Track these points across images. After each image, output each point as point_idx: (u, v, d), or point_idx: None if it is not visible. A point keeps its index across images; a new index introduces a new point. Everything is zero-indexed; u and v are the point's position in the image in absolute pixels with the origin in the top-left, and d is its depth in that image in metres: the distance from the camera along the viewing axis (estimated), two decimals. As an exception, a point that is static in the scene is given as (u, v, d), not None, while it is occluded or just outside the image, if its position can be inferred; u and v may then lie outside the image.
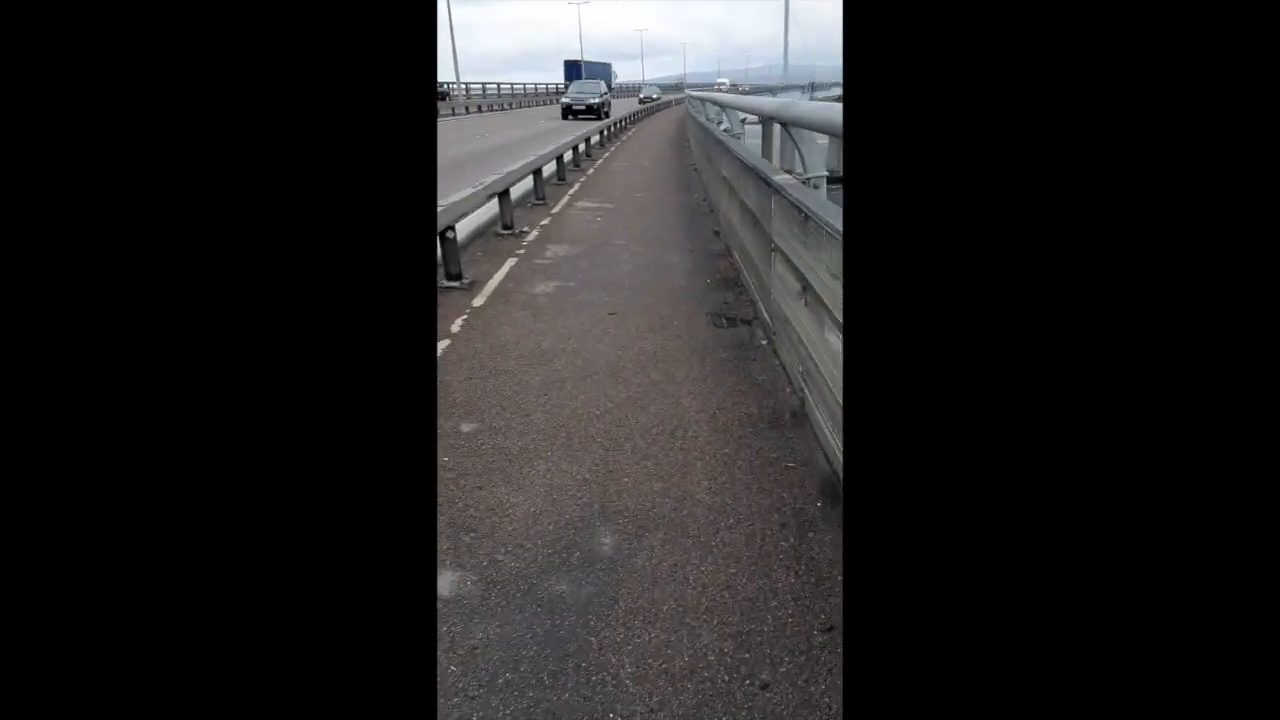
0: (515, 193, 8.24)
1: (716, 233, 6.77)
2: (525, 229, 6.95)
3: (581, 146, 12.67)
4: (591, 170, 11.72)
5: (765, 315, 4.06)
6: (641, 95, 42.67)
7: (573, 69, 53.58)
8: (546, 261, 5.75)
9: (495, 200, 6.56)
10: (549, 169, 10.11)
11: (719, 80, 64.90)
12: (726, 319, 4.34)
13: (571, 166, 11.76)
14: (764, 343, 3.89)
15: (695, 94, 13.68)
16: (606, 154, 14.46)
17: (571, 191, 9.44)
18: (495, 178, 6.30)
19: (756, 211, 4.21)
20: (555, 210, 8.06)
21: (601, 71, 54.85)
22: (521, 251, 6.07)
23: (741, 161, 4.54)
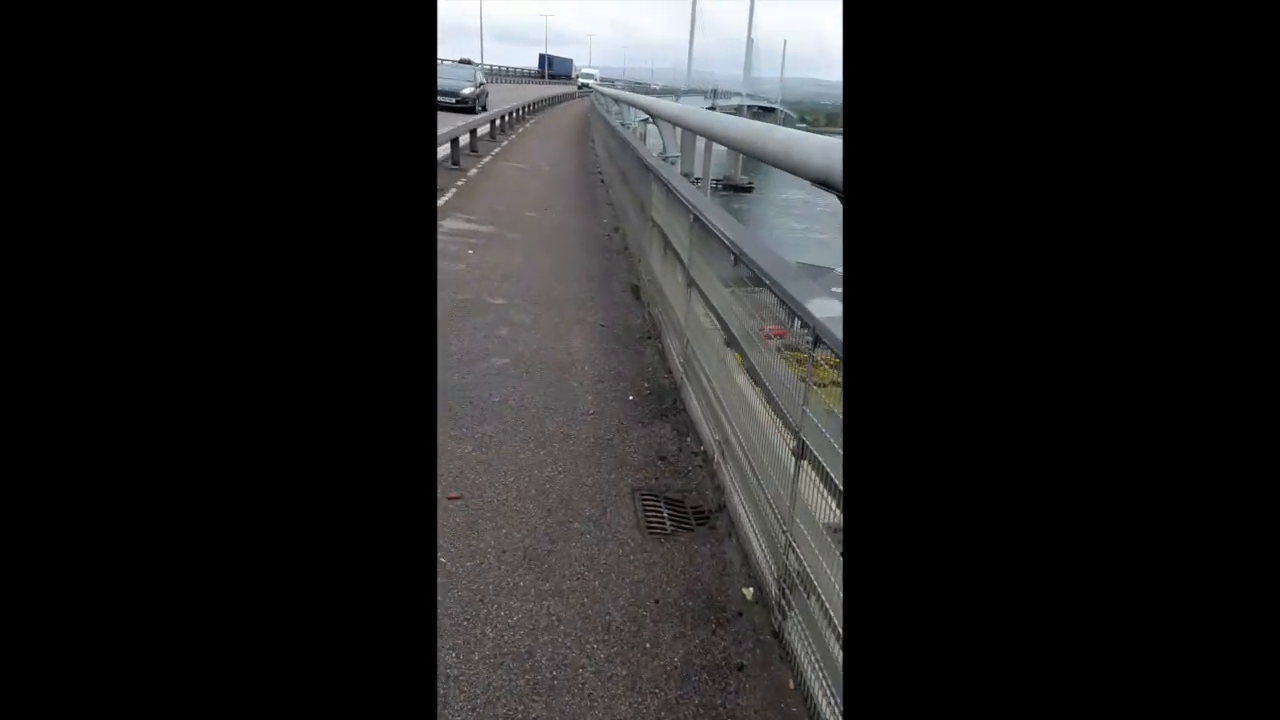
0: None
1: (636, 290, 4.83)
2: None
3: (464, 139, 10.29)
4: (474, 171, 9.41)
5: (741, 512, 2.17)
6: (460, 90, 16.52)
7: (544, 62, 67.64)
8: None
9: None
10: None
11: (585, 69, 65.41)
12: (669, 504, 2.41)
13: (450, 164, 9.40)
14: (750, 596, 1.99)
15: (607, 90, 11.70)
16: (498, 148, 12.12)
17: (441, 202, 7.14)
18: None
19: (739, 335, 2.30)
20: (410, 232, 5.78)
21: (565, 66, 70.41)
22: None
23: (718, 236, 2.59)
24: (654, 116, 4.84)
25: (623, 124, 8.59)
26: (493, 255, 5.38)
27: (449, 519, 2.18)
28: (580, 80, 57.36)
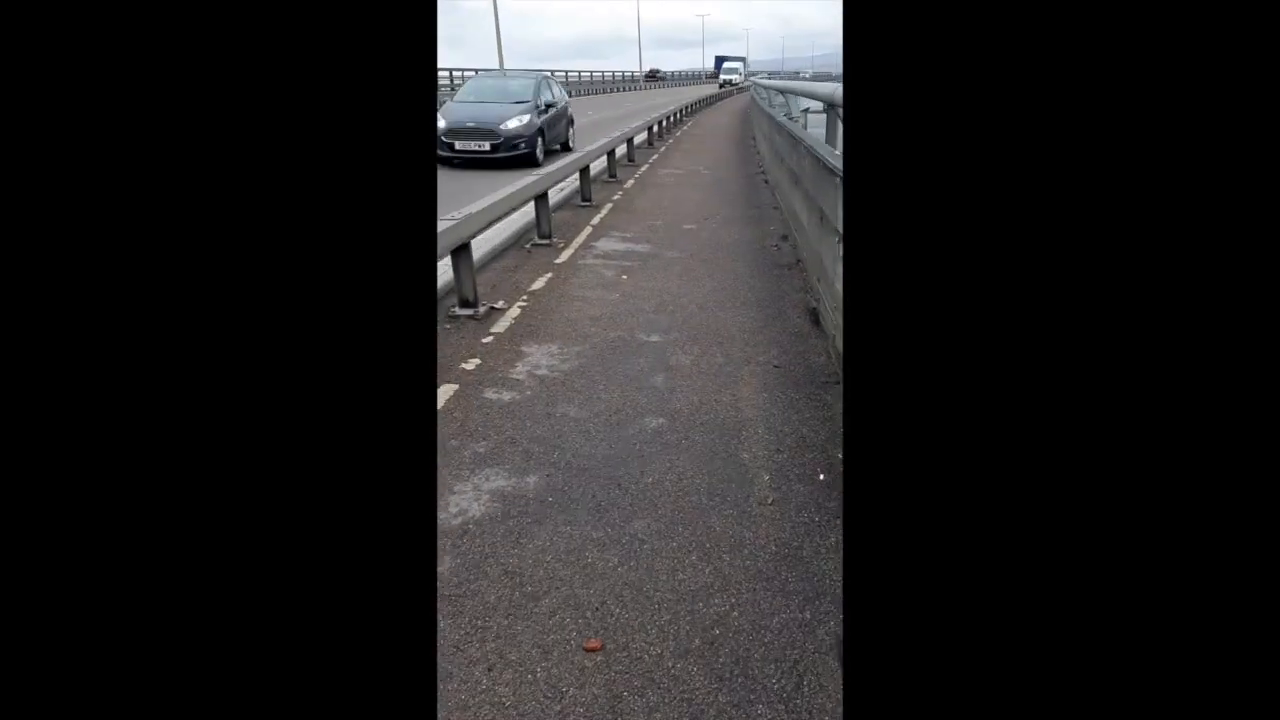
0: (496, 233, 5.68)
1: (814, 315, 4.02)
2: (497, 304, 4.34)
3: (621, 149, 10.00)
4: (631, 183, 9.05)
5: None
6: (501, 126, 8.88)
7: (718, 62, 65.22)
8: (505, 398, 3.12)
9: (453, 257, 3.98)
10: (551, 197, 7.49)
11: (728, 64, 61.99)
12: None
13: (608, 177, 9.13)
14: None
15: (767, 83, 10.82)
16: (656, 154, 11.74)
17: (595, 220, 6.81)
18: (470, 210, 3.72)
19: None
20: (562, 258, 5.44)
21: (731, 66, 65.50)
22: (471, 369, 3.46)
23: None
24: (830, 105, 3.99)
25: (789, 116, 7.69)
26: (648, 280, 4.85)
27: (585, 685, 1.61)
28: (723, 76, 54.65)
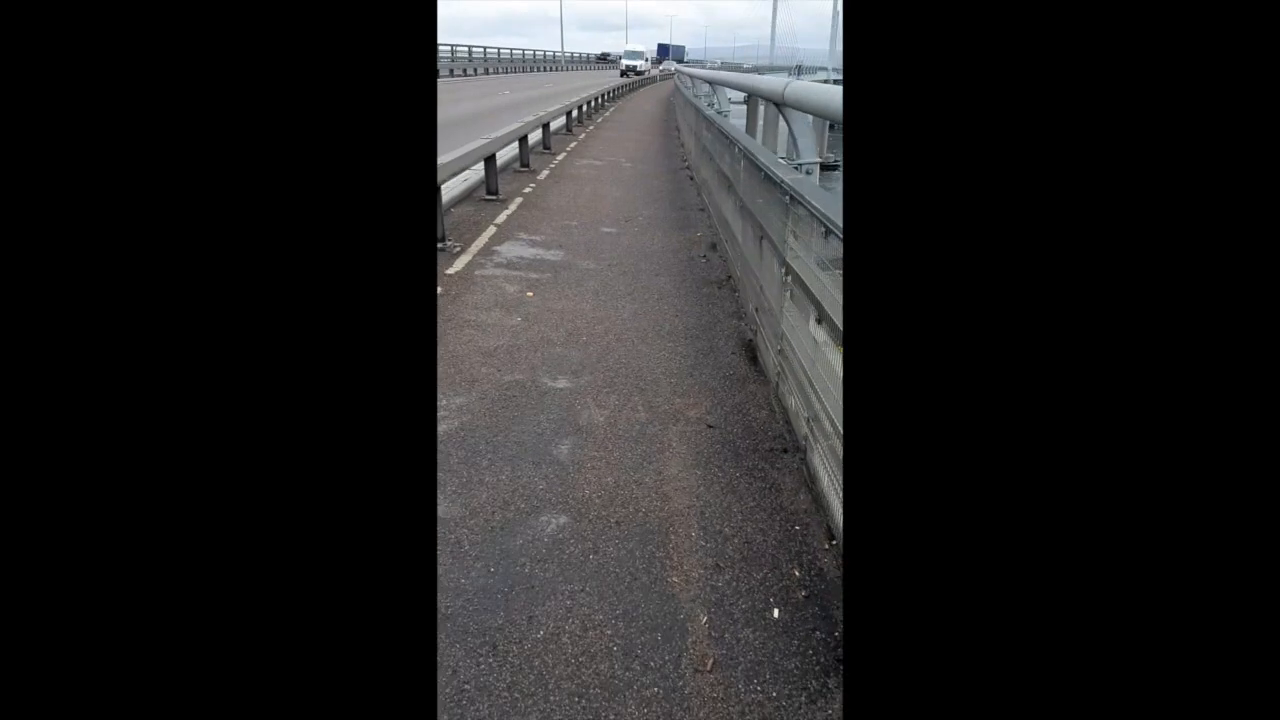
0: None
1: (750, 350, 3.40)
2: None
3: (535, 135, 9.10)
4: (545, 173, 8.19)
5: None
6: None
7: (662, 50, 72.67)
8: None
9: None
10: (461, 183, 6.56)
11: (628, 48, 55.31)
12: None
13: (518, 166, 8.24)
14: None
15: (694, 72, 10.18)
16: (575, 141, 10.87)
17: (501, 218, 5.94)
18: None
19: None
20: (455, 267, 4.57)
21: (679, 52, 72.12)
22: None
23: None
24: (781, 105, 3.37)
25: (717, 109, 7.08)
26: (559, 299, 4.09)
27: None
28: (625, 62, 45.96)
